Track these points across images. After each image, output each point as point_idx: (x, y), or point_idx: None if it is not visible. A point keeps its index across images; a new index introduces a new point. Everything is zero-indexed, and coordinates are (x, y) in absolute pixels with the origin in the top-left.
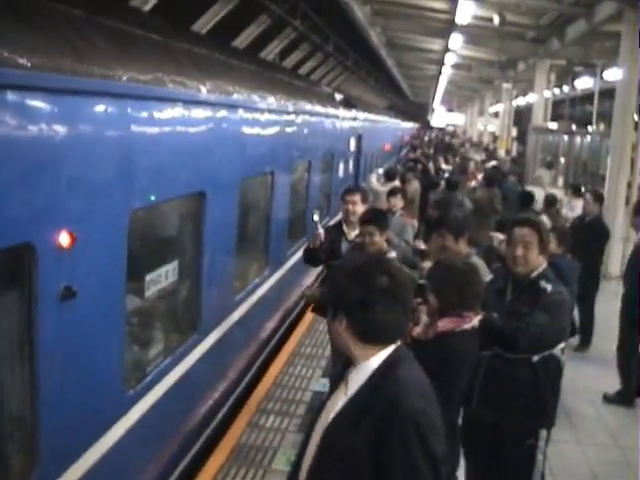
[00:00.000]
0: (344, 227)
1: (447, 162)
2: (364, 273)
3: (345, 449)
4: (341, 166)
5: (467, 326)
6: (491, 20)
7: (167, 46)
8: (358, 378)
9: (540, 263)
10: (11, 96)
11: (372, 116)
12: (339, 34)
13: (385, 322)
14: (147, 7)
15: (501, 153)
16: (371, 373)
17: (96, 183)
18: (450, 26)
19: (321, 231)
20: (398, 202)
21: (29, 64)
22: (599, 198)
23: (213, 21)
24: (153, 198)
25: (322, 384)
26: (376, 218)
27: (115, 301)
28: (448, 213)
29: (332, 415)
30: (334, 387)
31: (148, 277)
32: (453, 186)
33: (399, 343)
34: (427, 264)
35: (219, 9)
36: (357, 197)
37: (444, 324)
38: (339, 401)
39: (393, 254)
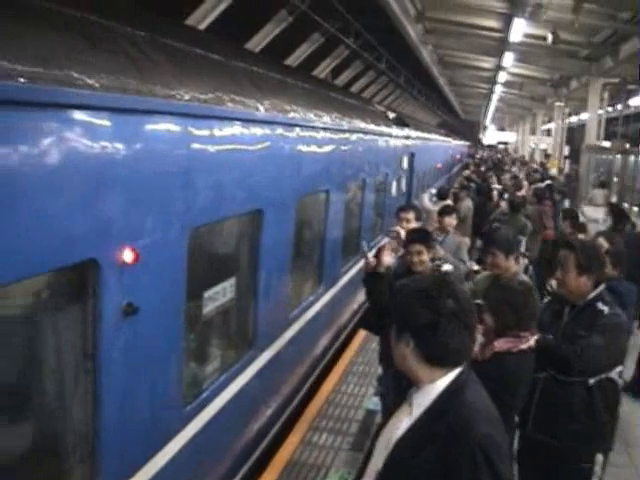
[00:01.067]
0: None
1: (499, 181)
2: (432, 296)
3: (409, 472)
4: (394, 184)
5: (524, 346)
6: (544, 38)
7: (225, 65)
8: (423, 400)
9: (581, 285)
10: (79, 116)
11: (424, 134)
12: (391, 52)
13: (452, 345)
14: (203, 26)
15: (553, 171)
16: (437, 396)
17: (158, 201)
18: (502, 44)
19: (371, 260)
20: (452, 221)
21: (97, 85)
22: None
23: (267, 39)
24: (212, 216)
25: (374, 402)
26: (423, 237)
27: (175, 318)
28: (497, 231)
29: (396, 437)
30: (395, 407)
31: (206, 294)
32: (516, 207)
33: (464, 366)
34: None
35: (272, 27)
36: (411, 215)
37: (500, 344)
38: (402, 423)
39: (448, 266)
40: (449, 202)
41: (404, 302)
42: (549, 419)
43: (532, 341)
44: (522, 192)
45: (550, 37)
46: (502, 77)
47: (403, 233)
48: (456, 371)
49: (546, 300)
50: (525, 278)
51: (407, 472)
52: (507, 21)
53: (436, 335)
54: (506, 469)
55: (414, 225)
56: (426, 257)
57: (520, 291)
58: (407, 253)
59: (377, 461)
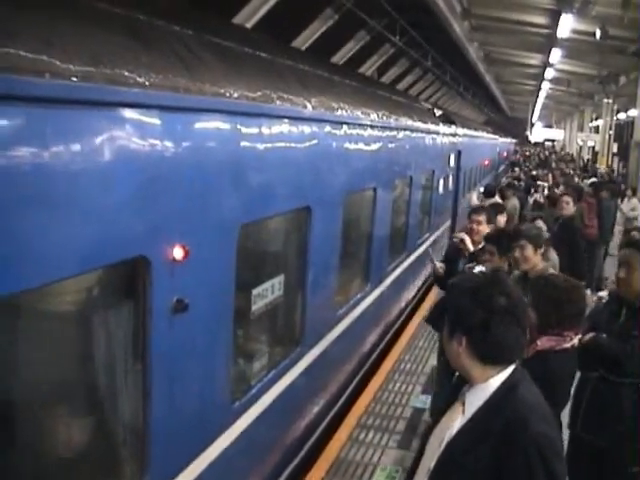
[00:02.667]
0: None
1: (554, 177)
2: (484, 293)
3: (463, 471)
4: (441, 182)
5: (567, 345)
6: (592, 34)
7: (272, 63)
8: (476, 399)
9: None
10: (130, 114)
11: (471, 132)
12: (437, 49)
13: (505, 343)
14: (249, 24)
15: (601, 169)
16: (490, 394)
17: (208, 198)
18: (550, 41)
19: (437, 264)
20: (501, 219)
21: (147, 83)
22: None
23: (313, 37)
24: (261, 213)
25: (422, 400)
26: (497, 238)
27: (224, 314)
28: (525, 225)
29: (448, 436)
30: (447, 406)
31: (255, 291)
32: (553, 202)
33: (518, 364)
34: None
35: (318, 25)
36: (482, 217)
37: (543, 343)
38: (455, 421)
39: (481, 268)
40: (497, 199)
41: (455, 301)
42: (598, 419)
43: (575, 340)
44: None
45: (599, 33)
46: (549, 74)
47: (468, 239)
48: (509, 369)
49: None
50: (552, 271)
51: (460, 471)
52: (554, 17)
53: (489, 333)
54: (561, 468)
55: (484, 227)
56: (497, 259)
57: (564, 288)
58: (481, 249)
59: (429, 460)
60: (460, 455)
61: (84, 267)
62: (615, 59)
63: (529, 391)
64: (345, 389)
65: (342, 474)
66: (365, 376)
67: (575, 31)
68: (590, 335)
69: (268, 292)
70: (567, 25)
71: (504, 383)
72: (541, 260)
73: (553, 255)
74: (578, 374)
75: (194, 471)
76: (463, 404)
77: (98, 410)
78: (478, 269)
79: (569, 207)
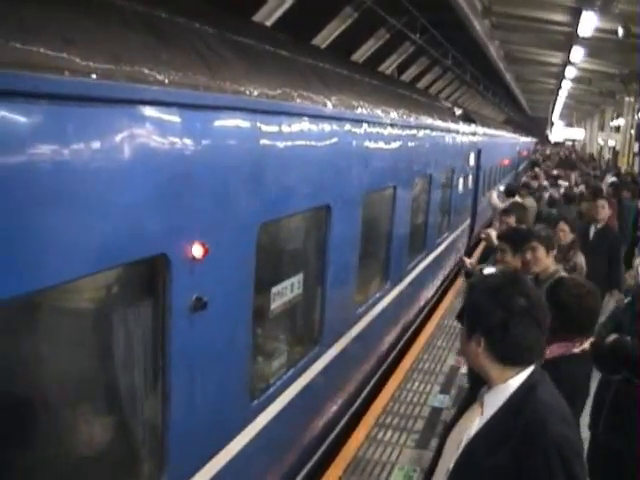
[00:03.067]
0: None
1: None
2: (504, 294)
3: (482, 472)
4: (461, 181)
5: (577, 350)
6: (614, 32)
7: (292, 61)
8: (495, 400)
9: None
10: (150, 112)
11: (491, 131)
12: (457, 48)
13: (524, 343)
14: (269, 22)
15: (623, 169)
16: (509, 396)
17: (227, 196)
18: (571, 39)
19: (467, 260)
20: (511, 220)
21: (167, 80)
22: None
23: (333, 35)
24: (281, 212)
25: (440, 400)
26: (511, 236)
27: (243, 313)
28: (538, 226)
29: (467, 437)
30: (465, 406)
31: (274, 289)
32: (569, 199)
33: (537, 365)
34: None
35: (338, 24)
36: (512, 219)
37: (553, 351)
38: (473, 422)
39: (491, 269)
40: (517, 199)
41: (475, 301)
42: (620, 421)
43: (586, 344)
44: (581, 187)
45: (621, 31)
46: (570, 72)
47: (494, 234)
48: (529, 370)
49: (626, 301)
50: (564, 274)
51: (479, 472)
52: (576, 15)
53: (507, 334)
54: (581, 469)
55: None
56: (510, 258)
57: (577, 294)
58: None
59: (447, 461)
60: (479, 456)
61: (104, 265)
62: (637, 57)
63: (548, 392)
64: (363, 388)
65: (360, 473)
66: (384, 375)
67: (597, 29)
68: (613, 337)
69: (287, 290)
70: (589, 23)
71: (523, 384)
72: (553, 262)
73: (580, 259)
74: (599, 376)
75: (213, 468)
76: (482, 405)
77: (117, 407)
78: (488, 270)
79: (605, 211)
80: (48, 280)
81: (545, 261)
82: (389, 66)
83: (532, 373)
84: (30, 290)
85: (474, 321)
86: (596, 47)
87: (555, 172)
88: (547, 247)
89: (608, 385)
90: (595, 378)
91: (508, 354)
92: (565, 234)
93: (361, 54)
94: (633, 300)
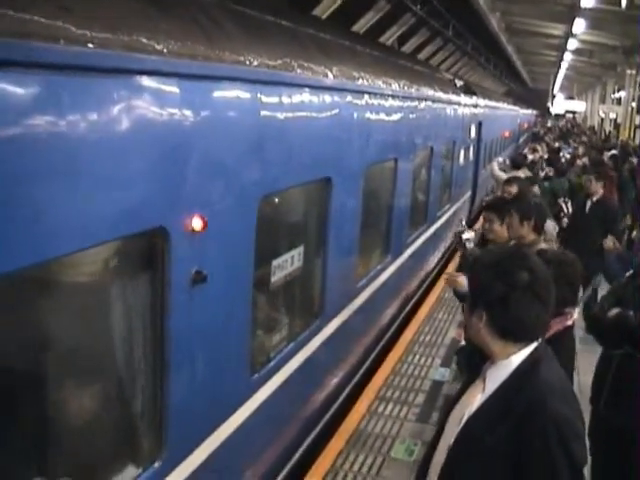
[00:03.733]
0: None
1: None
2: (505, 268)
3: (483, 448)
4: (462, 153)
5: (569, 322)
6: (616, 3)
7: (293, 31)
8: (497, 376)
9: None
10: (148, 82)
11: (492, 103)
12: (458, 19)
13: (526, 319)
14: None
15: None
16: (511, 372)
17: (227, 168)
18: (573, 10)
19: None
20: (512, 189)
21: (165, 50)
22: None
23: (333, 6)
24: (281, 184)
25: (441, 373)
26: (496, 205)
27: (243, 286)
28: (522, 194)
29: (468, 412)
30: (468, 383)
31: (275, 262)
32: (561, 172)
33: (540, 341)
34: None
35: None
36: (514, 188)
37: (551, 327)
38: (475, 398)
39: (469, 234)
40: (520, 174)
41: (477, 275)
42: (622, 397)
43: (576, 315)
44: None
45: (624, 2)
46: (572, 44)
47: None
48: (531, 347)
49: (627, 275)
50: (544, 246)
51: (479, 448)
52: None
53: (509, 309)
54: (580, 449)
55: None
56: (497, 227)
57: (557, 262)
58: (483, 219)
59: (448, 437)
60: (479, 433)
61: (102, 238)
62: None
63: (551, 370)
64: (364, 362)
65: (361, 446)
66: (385, 348)
67: (600, 0)
68: (615, 311)
69: (287, 264)
70: None
71: (525, 361)
72: (531, 232)
73: (548, 227)
74: (600, 350)
75: (213, 443)
76: (484, 381)
77: (116, 381)
78: (466, 235)
79: (593, 185)
80: (45, 253)
81: (519, 230)
82: (389, 37)
83: (535, 350)
84: (24, 264)
85: (476, 295)
86: (598, 19)
87: (557, 145)
88: (522, 216)
89: (609, 359)
90: (596, 352)
91: (509, 329)
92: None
93: (361, 25)
94: (634, 274)
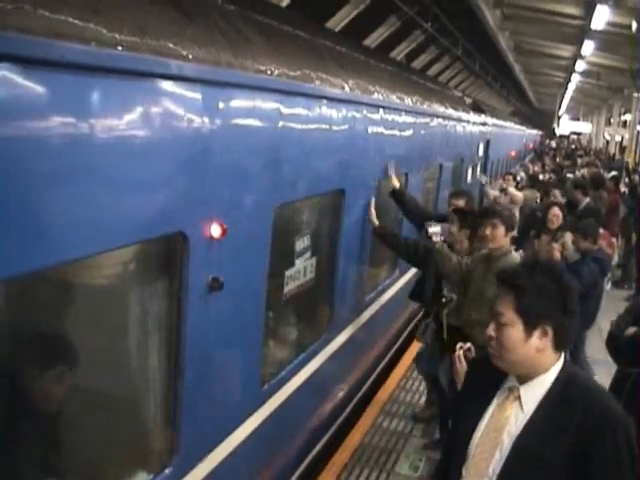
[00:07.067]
0: None
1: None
2: (564, 282)
3: (542, 465)
4: (469, 171)
5: None
6: (626, 27)
7: (311, 43)
8: (534, 393)
9: None
10: (173, 87)
11: (499, 122)
12: (467, 38)
13: (575, 326)
14: (284, 3)
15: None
16: (550, 386)
17: (246, 176)
18: (583, 32)
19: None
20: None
21: (190, 56)
22: None
23: (346, 19)
24: (297, 194)
25: None
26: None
27: (257, 295)
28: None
29: (509, 433)
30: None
31: (288, 273)
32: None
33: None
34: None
35: (352, 8)
36: (461, 202)
37: None
38: (509, 419)
39: (436, 228)
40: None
41: (537, 294)
42: (636, 415)
43: None
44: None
45: (635, 25)
46: (580, 66)
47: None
48: (562, 355)
49: None
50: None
51: (538, 466)
52: (589, 8)
53: (574, 320)
54: (636, 449)
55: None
56: (455, 230)
57: None
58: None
59: (483, 461)
60: (537, 451)
61: (121, 242)
62: None
63: (584, 374)
64: (370, 376)
65: (366, 460)
66: (391, 362)
67: (610, 23)
68: (633, 329)
69: (300, 274)
70: (602, 16)
71: (562, 371)
72: (509, 243)
73: (567, 238)
74: (615, 367)
75: (224, 450)
76: (517, 399)
77: (131, 384)
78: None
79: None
80: (64, 255)
81: (502, 240)
82: (399, 53)
83: (565, 357)
84: (44, 265)
85: (541, 313)
86: (607, 41)
87: (566, 163)
88: (507, 227)
89: (625, 377)
90: (612, 368)
91: (568, 341)
92: (557, 218)
93: (372, 40)
94: None
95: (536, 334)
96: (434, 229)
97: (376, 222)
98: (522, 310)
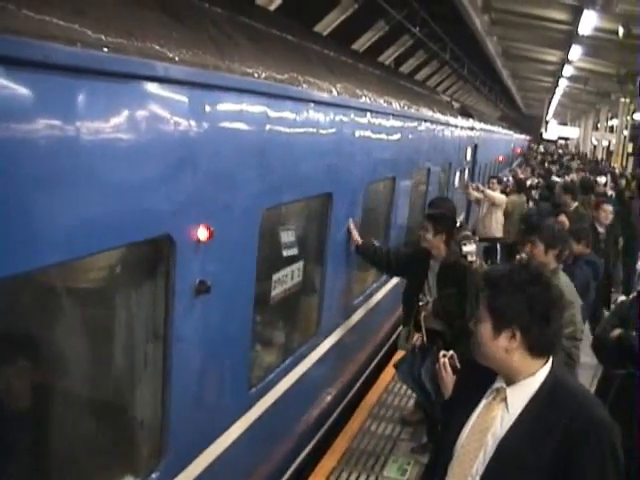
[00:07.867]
0: None
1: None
2: (541, 287)
3: (525, 467)
4: (457, 175)
5: None
6: (613, 32)
7: (299, 46)
8: (521, 395)
9: None
10: (159, 89)
11: (487, 126)
12: (455, 42)
13: (559, 332)
14: (272, 7)
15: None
16: (537, 389)
17: (233, 179)
18: (570, 37)
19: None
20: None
21: (177, 58)
22: None
23: (335, 23)
24: (284, 197)
25: None
26: (435, 216)
27: (245, 298)
28: (543, 222)
29: (493, 434)
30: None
31: (275, 276)
32: (545, 198)
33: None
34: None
35: (340, 12)
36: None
37: None
38: (495, 420)
39: (471, 246)
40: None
41: (508, 295)
42: (623, 416)
43: None
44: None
45: (622, 31)
46: (567, 71)
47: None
48: (550, 360)
49: (631, 296)
50: (564, 279)
51: (521, 468)
52: (576, 13)
53: (550, 325)
54: (621, 456)
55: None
56: (430, 237)
57: None
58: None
59: (467, 461)
60: (519, 452)
61: (107, 245)
62: (635, 58)
63: (572, 380)
64: (358, 379)
65: (354, 464)
66: (379, 366)
67: (597, 28)
68: (618, 331)
69: (288, 278)
70: (590, 22)
71: (550, 375)
72: (554, 261)
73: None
74: (601, 370)
75: (211, 455)
76: (503, 401)
77: (117, 388)
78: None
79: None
80: (49, 258)
81: (543, 258)
82: (387, 57)
83: (553, 363)
84: (29, 268)
85: (508, 316)
86: (595, 46)
87: (554, 168)
88: (547, 245)
89: (610, 379)
90: (597, 371)
91: (546, 345)
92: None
93: (360, 44)
94: (638, 296)
95: (504, 335)
96: (469, 248)
97: (359, 240)
98: (491, 310)
